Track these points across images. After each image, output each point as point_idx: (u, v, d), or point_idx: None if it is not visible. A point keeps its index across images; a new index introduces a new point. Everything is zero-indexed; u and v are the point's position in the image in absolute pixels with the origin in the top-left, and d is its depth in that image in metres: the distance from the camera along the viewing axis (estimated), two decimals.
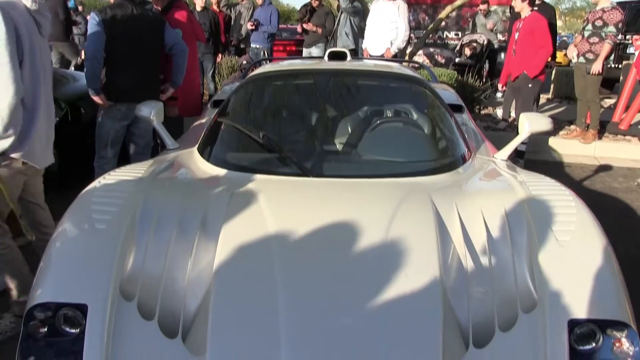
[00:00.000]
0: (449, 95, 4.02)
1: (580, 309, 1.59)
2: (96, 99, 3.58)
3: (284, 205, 2.05)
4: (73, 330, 1.57)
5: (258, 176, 2.28)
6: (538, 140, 6.12)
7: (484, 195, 2.16)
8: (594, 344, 1.55)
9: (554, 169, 5.59)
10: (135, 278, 1.73)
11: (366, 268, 1.76)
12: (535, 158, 5.82)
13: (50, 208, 2.79)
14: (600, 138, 6.37)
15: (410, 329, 1.60)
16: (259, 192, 2.08)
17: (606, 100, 8.45)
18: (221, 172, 2.37)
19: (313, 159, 2.47)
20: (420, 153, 2.59)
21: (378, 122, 2.74)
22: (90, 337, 1.54)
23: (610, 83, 9.45)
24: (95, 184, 2.11)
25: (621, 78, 7.08)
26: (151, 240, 1.84)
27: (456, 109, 3.68)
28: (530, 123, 2.63)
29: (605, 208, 4.38)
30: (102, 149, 3.74)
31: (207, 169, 2.42)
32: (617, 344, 1.55)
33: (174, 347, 1.57)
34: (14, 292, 2.57)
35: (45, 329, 1.59)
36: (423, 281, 1.70)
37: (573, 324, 1.55)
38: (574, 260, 1.72)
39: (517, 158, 5.26)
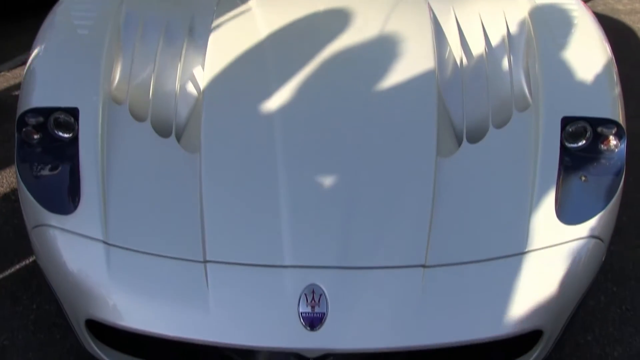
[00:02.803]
0: None
1: (574, 107, 1.60)
2: None
3: (275, 5, 1.97)
4: (67, 135, 1.57)
5: None
6: None
7: None
8: (583, 141, 1.57)
9: None
10: (124, 83, 1.70)
11: (360, 64, 1.75)
12: None
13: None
14: None
15: (405, 124, 1.62)
16: None
17: None
18: None
19: None
20: None
21: None
22: (84, 139, 1.54)
23: None
24: None
25: None
26: (138, 46, 1.79)
27: None
28: None
29: (605, 29, 4.25)
30: None
31: None
32: (605, 141, 1.58)
33: (168, 145, 1.59)
34: None
35: (39, 135, 1.58)
36: (418, 80, 1.70)
37: (566, 121, 1.57)
38: (572, 63, 1.70)
39: None
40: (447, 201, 1.47)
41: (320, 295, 1.32)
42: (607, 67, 1.70)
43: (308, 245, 1.39)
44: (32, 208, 1.51)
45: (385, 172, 1.52)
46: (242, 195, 1.48)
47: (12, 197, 2.47)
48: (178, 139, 1.62)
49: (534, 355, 1.49)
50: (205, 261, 1.38)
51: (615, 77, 1.70)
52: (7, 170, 2.63)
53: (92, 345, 1.51)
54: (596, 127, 1.57)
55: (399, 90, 1.68)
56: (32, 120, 1.58)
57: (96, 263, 1.40)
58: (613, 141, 1.57)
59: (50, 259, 1.46)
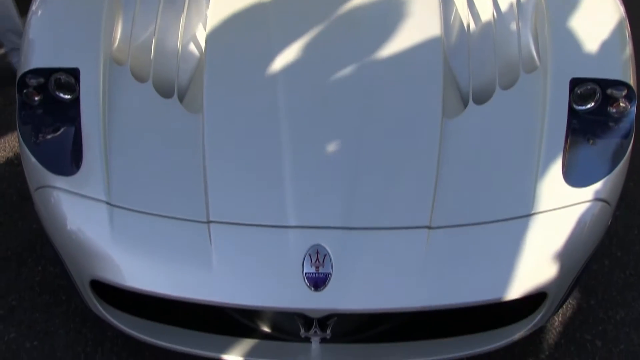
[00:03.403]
0: None
1: (583, 68, 1.56)
2: None
3: None
4: (68, 96, 1.55)
5: None
6: None
7: None
8: (592, 104, 1.54)
9: None
10: (125, 43, 1.68)
11: (365, 25, 1.72)
12: None
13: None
14: None
15: (410, 85, 1.60)
16: None
17: None
18: None
19: None
20: None
21: None
22: (85, 100, 1.52)
23: None
24: None
25: None
26: (139, 5, 1.75)
27: None
28: None
29: None
30: None
31: None
32: (615, 104, 1.55)
33: (170, 105, 1.57)
34: None
35: (40, 97, 1.56)
36: (424, 41, 1.66)
37: (574, 83, 1.53)
38: (582, 22, 1.65)
39: None
40: (452, 162, 1.46)
41: (325, 255, 1.31)
42: (619, 27, 1.65)
43: (312, 206, 1.38)
44: (34, 170, 1.51)
45: (391, 133, 1.50)
46: (246, 155, 1.47)
47: (15, 161, 2.47)
48: (180, 99, 1.60)
49: (538, 318, 1.49)
50: (208, 221, 1.37)
51: (628, 37, 1.66)
52: (10, 134, 2.62)
53: (97, 306, 1.52)
54: (606, 89, 1.53)
55: (404, 51, 1.65)
56: (32, 82, 1.56)
57: (99, 224, 1.39)
58: (623, 104, 1.54)
59: (54, 221, 1.46)
